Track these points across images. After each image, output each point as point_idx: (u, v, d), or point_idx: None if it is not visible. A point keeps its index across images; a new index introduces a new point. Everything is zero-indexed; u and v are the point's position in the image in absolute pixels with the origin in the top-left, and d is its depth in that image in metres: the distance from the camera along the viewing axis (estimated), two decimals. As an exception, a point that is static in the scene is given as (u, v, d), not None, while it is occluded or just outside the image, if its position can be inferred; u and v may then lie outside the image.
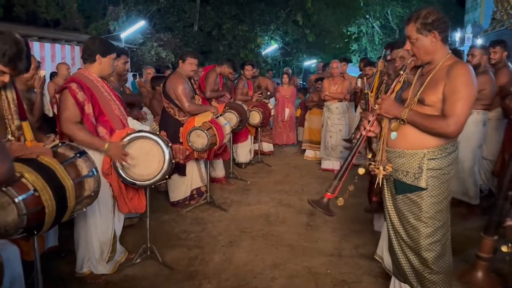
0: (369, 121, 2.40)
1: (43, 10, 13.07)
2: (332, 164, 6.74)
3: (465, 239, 3.61)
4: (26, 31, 9.57)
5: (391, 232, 2.54)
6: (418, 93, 2.26)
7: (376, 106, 2.32)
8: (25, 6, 12.76)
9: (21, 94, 2.49)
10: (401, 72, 2.37)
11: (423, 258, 2.36)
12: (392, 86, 2.42)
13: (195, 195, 4.95)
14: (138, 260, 3.36)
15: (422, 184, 2.26)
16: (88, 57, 3.02)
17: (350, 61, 23.61)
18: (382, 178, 2.42)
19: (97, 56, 3.01)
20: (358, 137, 2.45)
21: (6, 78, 2.16)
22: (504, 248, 2.17)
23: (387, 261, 3.15)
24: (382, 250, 3.21)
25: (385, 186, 2.53)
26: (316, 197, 2.46)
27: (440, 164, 2.26)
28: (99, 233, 3.11)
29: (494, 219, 2.11)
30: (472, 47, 4.47)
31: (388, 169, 2.36)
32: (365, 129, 2.35)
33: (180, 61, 4.66)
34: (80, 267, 3.12)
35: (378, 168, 2.40)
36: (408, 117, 2.22)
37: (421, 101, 2.24)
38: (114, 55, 3.11)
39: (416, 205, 2.32)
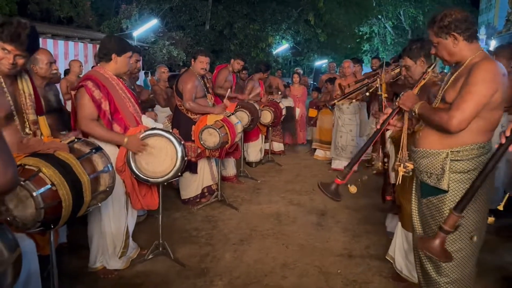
0: (388, 116, 2.38)
1: (57, 7, 13.23)
2: (342, 164, 6.71)
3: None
4: (40, 29, 9.61)
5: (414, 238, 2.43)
6: (442, 91, 2.21)
7: (399, 99, 2.30)
8: (40, 4, 12.92)
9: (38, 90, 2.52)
10: (428, 70, 2.35)
11: (438, 267, 2.23)
12: (417, 83, 2.42)
13: (206, 193, 4.97)
14: (150, 256, 3.39)
15: (444, 186, 2.14)
16: (104, 56, 3.06)
17: (362, 61, 23.53)
18: (403, 177, 2.37)
19: (113, 55, 3.05)
20: (375, 130, 2.43)
21: (10, 59, 2.15)
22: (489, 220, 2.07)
23: (399, 262, 3.15)
24: (394, 251, 3.21)
25: (413, 190, 2.44)
26: (327, 197, 2.38)
27: (466, 167, 2.12)
28: (112, 228, 3.15)
29: (467, 197, 1.95)
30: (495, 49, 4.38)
31: (408, 167, 2.29)
32: (382, 123, 2.33)
33: (192, 59, 4.72)
34: (93, 262, 3.16)
35: (399, 166, 2.33)
36: (418, 109, 2.18)
37: (443, 99, 2.17)
38: (129, 54, 3.15)
39: (438, 210, 2.20)
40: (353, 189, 2.26)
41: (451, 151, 2.13)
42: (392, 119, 2.41)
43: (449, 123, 2.01)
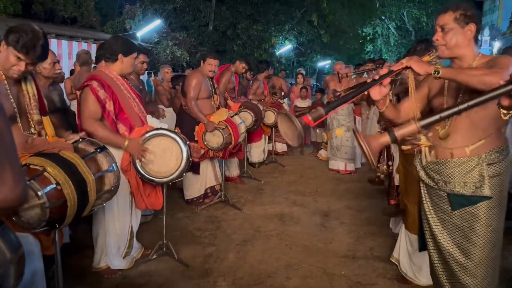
0: (387, 73, 2.05)
1: (61, 8, 13.24)
2: (337, 164, 6.72)
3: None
4: (44, 28, 9.65)
5: (434, 255, 2.32)
6: (459, 98, 2.09)
7: (404, 60, 2.03)
8: (44, 4, 12.94)
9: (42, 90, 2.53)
10: (433, 49, 2.19)
11: (477, 277, 2.15)
12: (422, 57, 2.18)
13: (209, 194, 4.96)
14: (154, 256, 3.39)
15: (487, 192, 2.06)
16: (110, 56, 3.06)
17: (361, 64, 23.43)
18: (405, 180, 2.28)
19: (120, 56, 3.05)
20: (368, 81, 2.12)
21: (22, 66, 2.20)
22: None
23: (403, 264, 3.14)
24: (399, 253, 3.20)
25: (425, 206, 2.32)
26: (331, 198, 2.33)
27: (500, 169, 2.08)
28: (117, 228, 3.15)
29: (438, 118, 1.84)
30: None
31: (430, 138, 2.00)
32: (380, 76, 2.04)
33: (202, 61, 4.70)
34: (97, 261, 3.16)
35: (420, 141, 2.01)
36: (443, 71, 1.92)
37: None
38: (135, 55, 3.17)
39: (477, 219, 2.10)
40: (324, 138, 2.20)
41: (486, 155, 2.07)
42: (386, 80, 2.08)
43: (495, 73, 1.82)
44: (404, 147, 2.07)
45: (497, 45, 19.74)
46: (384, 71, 2.05)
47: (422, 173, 2.27)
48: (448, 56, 2.16)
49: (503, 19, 26.63)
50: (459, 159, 2.10)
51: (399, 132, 1.80)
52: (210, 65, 4.59)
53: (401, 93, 3.29)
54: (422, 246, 2.47)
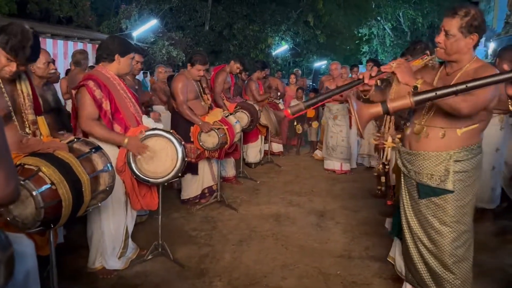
0: (376, 74, 2.19)
1: (56, 7, 13.18)
2: (333, 164, 6.74)
3: (477, 244, 3.57)
4: (39, 28, 9.64)
5: (408, 238, 2.48)
6: None
7: (394, 63, 2.12)
8: (39, 4, 12.88)
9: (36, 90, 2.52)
10: (428, 54, 2.28)
11: (445, 263, 2.32)
12: (412, 60, 2.32)
13: (207, 194, 4.96)
14: (149, 257, 3.38)
15: (449, 186, 2.21)
16: (107, 56, 3.05)
17: (361, 63, 23.50)
18: (398, 176, 2.38)
19: (116, 56, 3.05)
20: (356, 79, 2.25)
21: (13, 67, 2.19)
22: None
23: (399, 264, 3.14)
24: (395, 252, 3.20)
25: (402, 191, 2.48)
26: (327, 198, 2.43)
27: (467, 167, 2.22)
28: (112, 229, 3.14)
29: (431, 95, 1.90)
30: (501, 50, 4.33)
31: (397, 140, 2.29)
32: (365, 76, 2.17)
33: (189, 64, 4.58)
34: (92, 262, 3.15)
35: (386, 140, 2.34)
36: (422, 86, 2.03)
37: None
38: (132, 55, 3.15)
39: (441, 209, 2.28)
40: (298, 129, 2.37)
41: (454, 152, 2.19)
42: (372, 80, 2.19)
43: (462, 104, 2.00)
44: (372, 141, 2.25)
45: (492, 45, 19.81)
46: (373, 71, 2.22)
47: (399, 161, 2.44)
48: (445, 59, 2.25)
49: (498, 20, 26.68)
50: (428, 152, 2.25)
51: (392, 104, 1.87)
52: (199, 71, 4.52)
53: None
54: (394, 232, 2.74)
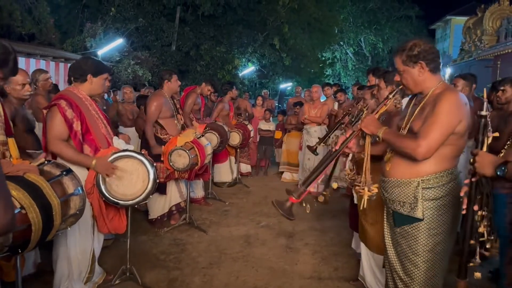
0: (347, 138, 2.47)
1: (18, 24, 12.84)
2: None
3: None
4: None
5: (387, 269, 2.44)
6: (410, 122, 2.24)
7: (360, 122, 2.36)
8: (0, 19, 12.52)
9: (15, 110, 2.44)
10: (390, 96, 2.41)
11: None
12: (378, 108, 2.50)
13: (175, 212, 4.90)
14: (117, 281, 3.29)
15: (418, 214, 2.17)
16: (79, 77, 3.02)
17: (344, 90, 24.02)
18: (368, 201, 2.42)
19: (89, 76, 3.02)
20: (334, 149, 2.50)
21: None
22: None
23: (369, 281, 3.21)
24: (363, 271, 3.27)
25: (385, 221, 2.46)
26: (296, 219, 2.53)
27: (437, 194, 2.16)
28: (78, 253, 3.04)
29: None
30: (456, 77, 4.46)
31: (373, 190, 2.34)
32: (342, 143, 2.46)
33: (166, 80, 4.73)
34: (57, 287, 3.02)
35: (363, 189, 2.36)
36: (383, 135, 2.21)
37: (410, 130, 2.21)
38: (105, 75, 3.13)
39: (413, 238, 2.22)
40: (321, 198, 2.62)
41: (421, 180, 2.17)
42: (351, 142, 2.51)
43: (416, 151, 2.07)
44: (354, 191, 2.42)
45: (448, 71, 20.84)
46: (341, 139, 2.53)
47: (381, 190, 2.42)
48: (413, 93, 2.35)
49: (454, 47, 28.20)
50: (398, 179, 2.26)
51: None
52: (176, 81, 4.79)
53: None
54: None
